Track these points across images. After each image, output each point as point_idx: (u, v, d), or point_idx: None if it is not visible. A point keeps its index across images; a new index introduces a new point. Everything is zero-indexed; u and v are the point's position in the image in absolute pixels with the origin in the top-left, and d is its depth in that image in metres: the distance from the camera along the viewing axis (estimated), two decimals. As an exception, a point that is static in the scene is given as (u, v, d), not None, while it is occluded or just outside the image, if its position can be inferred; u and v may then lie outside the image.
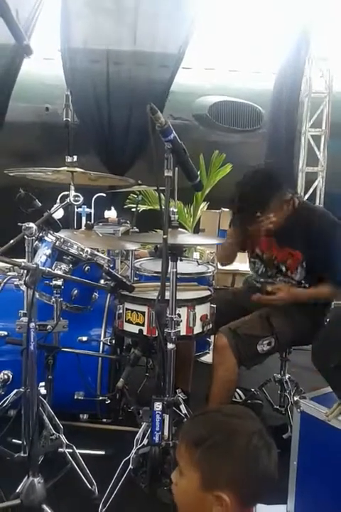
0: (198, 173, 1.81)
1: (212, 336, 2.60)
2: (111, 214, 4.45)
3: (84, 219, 4.34)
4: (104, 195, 4.61)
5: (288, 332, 2.22)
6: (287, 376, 2.53)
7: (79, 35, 5.23)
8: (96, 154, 5.46)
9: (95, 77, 5.36)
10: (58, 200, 3.74)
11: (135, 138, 5.16)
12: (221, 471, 0.99)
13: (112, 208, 4.50)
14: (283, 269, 2.35)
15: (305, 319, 2.26)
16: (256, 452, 1.00)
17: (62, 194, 3.63)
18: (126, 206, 5.30)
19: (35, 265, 1.66)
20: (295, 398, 1.73)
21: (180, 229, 1.96)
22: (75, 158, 2.12)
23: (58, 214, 2.85)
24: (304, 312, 2.26)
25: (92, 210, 4.58)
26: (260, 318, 2.21)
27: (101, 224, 4.17)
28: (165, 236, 1.57)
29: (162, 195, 1.60)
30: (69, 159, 2.11)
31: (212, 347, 2.86)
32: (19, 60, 4.84)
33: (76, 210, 4.18)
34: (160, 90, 5.27)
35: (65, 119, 2.33)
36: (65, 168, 2.09)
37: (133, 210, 4.08)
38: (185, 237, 1.99)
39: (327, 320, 2.31)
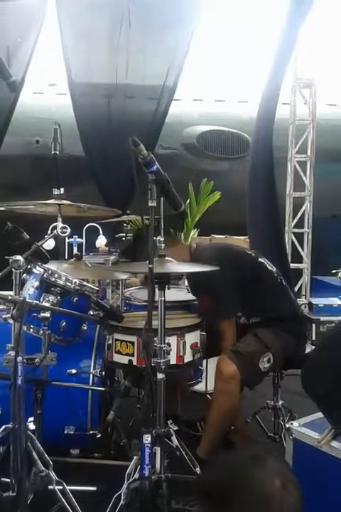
0: (187, 202, 1.84)
1: (204, 363, 2.59)
2: (101, 243, 4.45)
3: (75, 249, 4.34)
4: (96, 225, 4.62)
5: (279, 347, 2.26)
6: (280, 402, 2.51)
7: (76, 69, 5.34)
8: (93, 187, 5.51)
9: (88, 111, 5.44)
10: (49, 231, 3.75)
11: (131, 170, 5.20)
12: None
13: (103, 236, 4.50)
14: None
15: (288, 337, 2.31)
16: (266, 502, 0.93)
17: (52, 225, 3.64)
18: (117, 235, 5.31)
19: (22, 298, 1.66)
20: (288, 425, 1.71)
21: (167, 257, 1.97)
22: (62, 190, 2.14)
23: (49, 245, 2.86)
24: (285, 330, 2.31)
25: (83, 240, 4.59)
26: (252, 337, 2.25)
27: (91, 254, 4.17)
28: (150, 265, 1.57)
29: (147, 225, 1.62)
30: (56, 192, 2.12)
31: (204, 375, 2.83)
32: (16, 95, 4.92)
33: (67, 240, 4.19)
34: (155, 122, 5.37)
35: (53, 152, 2.35)
36: (52, 200, 2.10)
37: (124, 239, 4.09)
38: (173, 266, 1.99)
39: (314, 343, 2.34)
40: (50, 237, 2.08)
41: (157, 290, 1.75)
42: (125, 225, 4.54)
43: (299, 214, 5.35)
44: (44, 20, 5.05)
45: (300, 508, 0.96)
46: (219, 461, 1.09)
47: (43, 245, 2.00)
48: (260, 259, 2.49)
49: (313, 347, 2.33)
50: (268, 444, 1.06)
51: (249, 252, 2.53)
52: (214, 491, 0.97)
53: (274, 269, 2.49)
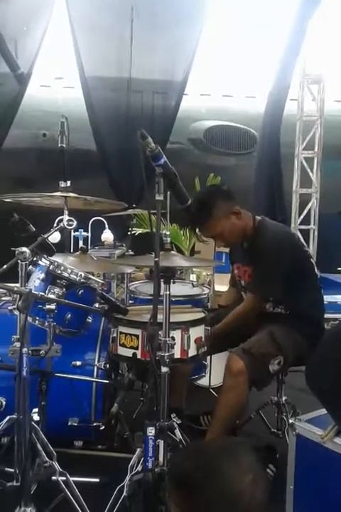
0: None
1: (208, 359, 2.60)
2: (107, 237, 4.45)
3: (81, 242, 4.35)
4: (101, 219, 4.63)
5: (292, 351, 2.25)
6: (284, 398, 2.51)
7: (87, 64, 5.35)
8: (106, 181, 5.52)
9: (99, 105, 5.45)
10: (55, 224, 3.76)
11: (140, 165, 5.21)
12: None
13: (108, 230, 4.51)
14: None
15: (302, 339, 2.28)
16: (236, 493, 0.93)
17: (58, 218, 3.64)
18: (128, 230, 5.31)
19: (28, 290, 1.66)
20: (291, 421, 1.71)
21: (172, 251, 1.97)
22: (69, 183, 2.14)
23: (55, 238, 2.87)
24: (303, 332, 2.29)
25: (89, 234, 4.60)
26: (267, 336, 2.22)
27: (97, 247, 4.18)
28: (156, 259, 1.57)
29: (153, 218, 1.62)
30: (62, 184, 2.12)
31: (208, 370, 2.84)
32: (23, 88, 4.93)
33: (73, 233, 4.20)
34: (166, 117, 5.37)
35: (59, 145, 2.35)
36: (59, 193, 2.11)
37: (129, 233, 4.09)
38: (178, 260, 1.99)
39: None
40: (57, 230, 2.09)
41: (162, 284, 1.75)
42: (131, 219, 4.54)
43: (305, 211, 5.33)
44: (52, 14, 5.06)
45: (265, 502, 0.95)
46: (194, 449, 1.09)
47: (49, 238, 2.01)
48: (312, 259, 2.47)
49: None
50: (244, 440, 1.06)
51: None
52: (185, 479, 0.97)
53: (319, 275, 2.48)
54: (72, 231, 3.83)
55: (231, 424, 2.16)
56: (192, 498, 0.94)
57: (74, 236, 4.37)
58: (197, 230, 2.36)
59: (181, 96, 5.44)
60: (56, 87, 6.23)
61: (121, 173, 5.54)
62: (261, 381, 2.17)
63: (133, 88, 5.40)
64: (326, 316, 4.05)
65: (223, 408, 2.12)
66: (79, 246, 3.60)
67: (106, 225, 4.54)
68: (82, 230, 4.41)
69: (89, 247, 3.96)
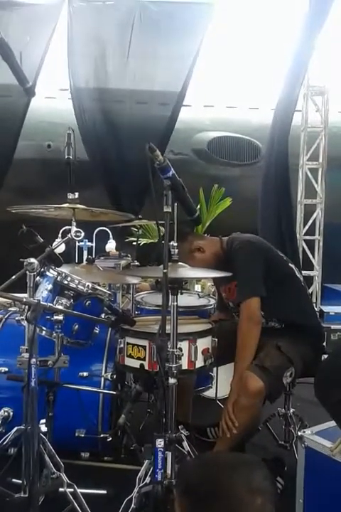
0: (197, 207, 1.84)
1: (214, 370, 2.59)
2: (111, 247, 4.47)
3: (85, 253, 4.37)
4: (106, 229, 4.65)
5: (299, 359, 2.23)
6: (291, 410, 2.50)
7: (83, 75, 5.39)
8: (104, 191, 5.54)
9: (97, 116, 5.48)
10: (60, 235, 3.78)
11: (141, 175, 5.24)
12: None
13: (113, 240, 4.53)
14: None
15: (308, 348, 2.28)
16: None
17: (63, 229, 3.66)
18: (126, 240, 5.34)
19: (36, 301, 1.67)
20: (299, 433, 1.70)
21: (180, 263, 1.97)
22: (77, 194, 2.15)
23: (60, 248, 2.88)
24: (306, 342, 2.28)
25: (94, 244, 4.62)
26: (275, 350, 2.21)
27: (102, 258, 4.19)
28: (165, 270, 1.58)
29: (161, 231, 1.63)
30: (70, 196, 2.14)
31: (214, 381, 2.83)
32: (28, 99, 4.97)
33: (77, 244, 4.22)
34: (164, 128, 5.39)
35: (66, 157, 2.37)
36: (67, 204, 2.12)
37: (134, 243, 4.11)
38: (185, 271, 2.00)
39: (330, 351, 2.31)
40: (65, 241, 2.10)
41: (170, 295, 1.75)
42: (135, 230, 4.56)
43: (310, 221, 5.33)
44: (56, 25, 5.10)
45: None
46: (206, 461, 1.07)
47: (55, 249, 2.02)
48: (290, 264, 2.49)
49: (326, 355, 2.31)
50: (256, 457, 1.03)
51: (282, 255, 2.52)
52: (194, 489, 0.95)
53: (302, 279, 2.49)
54: (77, 242, 3.85)
55: (240, 441, 2.13)
56: (198, 509, 0.93)
57: (78, 246, 4.39)
58: None
59: (180, 107, 5.47)
60: (61, 99, 6.28)
61: (121, 184, 5.56)
62: (276, 394, 2.16)
63: (131, 99, 5.43)
64: (333, 327, 4.08)
65: (238, 427, 2.08)
66: (86, 257, 3.62)
67: (111, 236, 4.57)
68: (87, 240, 4.44)
69: (94, 257, 3.98)
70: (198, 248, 2.43)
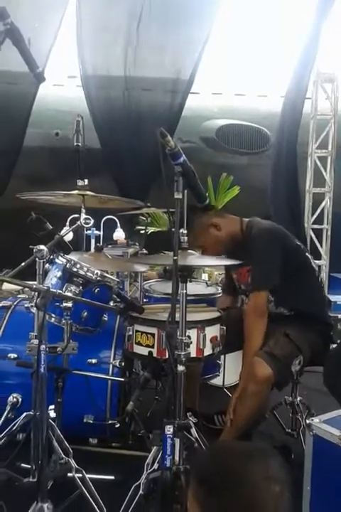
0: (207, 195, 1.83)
1: (222, 358, 2.59)
2: (118, 235, 4.47)
3: (93, 241, 4.37)
4: (114, 217, 4.65)
5: (308, 348, 2.23)
6: (298, 399, 2.50)
7: (91, 63, 5.37)
8: (112, 179, 5.54)
9: (105, 104, 5.46)
10: (68, 223, 3.78)
11: (148, 163, 5.23)
12: None
13: (120, 229, 4.52)
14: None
15: (316, 337, 2.28)
16: (261, 503, 0.91)
17: (71, 217, 3.66)
18: (135, 229, 5.33)
19: (46, 287, 1.68)
20: (308, 421, 1.70)
21: (189, 250, 1.97)
22: (86, 181, 2.15)
23: (68, 236, 2.88)
24: (315, 330, 2.28)
25: (101, 232, 4.62)
26: (284, 338, 2.21)
27: (110, 246, 4.19)
28: (175, 257, 1.57)
29: (172, 217, 1.62)
30: (80, 183, 2.13)
31: (222, 369, 2.83)
32: (36, 87, 4.96)
33: (85, 232, 4.21)
34: (172, 115, 5.36)
35: (75, 144, 2.36)
36: (77, 191, 2.12)
37: (142, 232, 4.10)
38: (194, 259, 1.99)
39: (338, 341, 2.31)
40: (74, 228, 2.10)
41: (179, 283, 1.75)
42: (144, 218, 4.55)
43: (318, 210, 5.29)
44: (65, 11, 5.07)
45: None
46: (222, 450, 1.06)
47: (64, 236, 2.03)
48: (307, 253, 2.48)
49: (334, 345, 2.31)
50: (270, 446, 1.02)
51: (299, 244, 2.51)
52: (210, 480, 0.94)
53: (317, 269, 2.48)
54: (85, 230, 3.85)
55: (248, 428, 2.14)
56: (214, 500, 0.92)
57: (86, 235, 4.39)
58: None
59: (187, 94, 5.43)
60: (69, 87, 6.26)
61: (128, 172, 5.55)
62: (284, 382, 2.17)
63: (139, 86, 5.40)
64: (340, 316, 4.06)
65: (241, 413, 2.10)
66: (94, 244, 3.63)
67: (119, 224, 4.56)
68: (95, 228, 4.43)
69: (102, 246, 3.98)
70: (215, 225, 2.40)
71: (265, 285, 2.28)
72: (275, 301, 2.34)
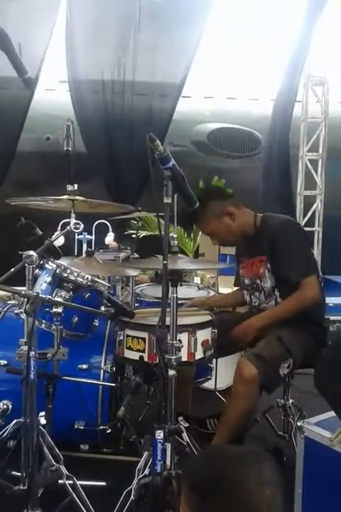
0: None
1: (214, 362, 2.59)
2: (110, 240, 4.46)
3: (84, 246, 4.36)
4: (106, 221, 4.64)
5: (299, 351, 2.22)
6: (290, 401, 2.50)
7: (83, 67, 5.37)
8: (102, 184, 5.53)
9: (97, 108, 5.47)
10: (59, 228, 3.77)
11: (140, 167, 5.24)
12: None
13: (112, 233, 4.51)
14: (259, 282, 2.39)
15: (309, 340, 2.27)
16: (254, 507, 0.90)
17: (62, 221, 3.65)
18: (126, 233, 5.33)
19: (35, 293, 1.67)
20: (299, 424, 1.70)
21: (179, 254, 1.97)
22: (76, 186, 2.14)
23: (59, 241, 2.88)
24: (308, 331, 2.27)
25: (93, 237, 4.61)
26: (275, 340, 2.19)
27: (101, 250, 4.19)
28: (165, 262, 1.57)
29: (161, 221, 1.62)
30: (70, 188, 2.12)
31: (214, 372, 2.83)
32: (31, 93, 4.94)
33: (77, 237, 4.21)
34: (163, 119, 5.37)
35: (65, 148, 2.35)
36: (66, 196, 2.11)
37: (134, 236, 4.10)
38: (185, 263, 1.99)
39: (330, 343, 2.31)
40: (64, 233, 2.09)
41: (169, 287, 1.75)
42: (135, 222, 4.55)
43: (310, 212, 5.32)
44: (57, 16, 5.06)
45: None
46: (213, 454, 1.04)
47: (54, 241, 2.02)
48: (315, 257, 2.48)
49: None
50: (262, 449, 1.01)
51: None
52: (203, 484, 0.93)
53: (321, 275, 2.46)
54: (76, 234, 3.84)
55: (239, 431, 2.13)
56: (207, 505, 0.91)
57: (78, 239, 4.38)
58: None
59: (178, 98, 5.45)
60: (60, 91, 6.25)
61: (118, 176, 5.56)
62: (271, 385, 2.14)
63: (131, 90, 5.41)
64: (332, 318, 4.07)
65: (232, 415, 2.10)
66: (85, 249, 3.62)
67: (110, 228, 4.55)
68: (86, 233, 4.42)
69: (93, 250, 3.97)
70: (231, 214, 2.36)
71: (311, 270, 2.26)
72: (280, 296, 2.32)
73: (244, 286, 2.53)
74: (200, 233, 5.74)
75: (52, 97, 6.17)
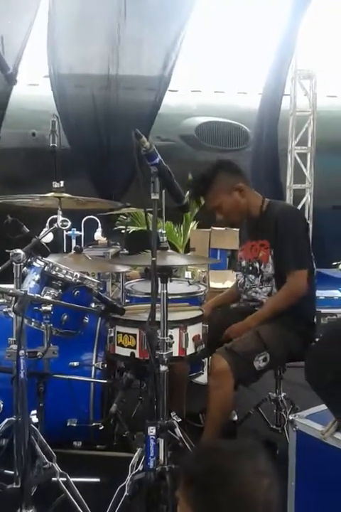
0: (186, 194, 1.83)
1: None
2: (99, 235, 4.44)
3: (74, 242, 4.33)
4: (95, 217, 4.61)
5: (280, 346, 2.21)
6: (282, 394, 2.51)
7: (66, 61, 5.30)
8: (89, 179, 5.50)
9: (83, 102, 5.42)
10: (47, 224, 3.74)
11: (126, 162, 5.20)
12: None
13: (101, 229, 4.49)
14: (257, 265, 2.37)
15: (294, 336, 2.26)
16: (252, 498, 0.92)
17: (51, 218, 3.62)
18: (115, 228, 5.31)
19: (23, 292, 1.65)
20: (291, 417, 1.71)
21: (169, 250, 1.96)
22: (62, 183, 2.12)
23: (48, 238, 2.85)
24: (292, 328, 2.26)
25: (82, 233, 4.58)
26: (252, 334, 2.19)
27: (90, 247, 4.16)
28: (154, 258, 1.56)
29: (149, 218, 1.61)
30: (56, 185, 2.10)
31: (206, 367, 2.84)
32: (10, 88, 4.88)
33: (66, 233, 4.17)
34: (149, 113, 5.34)
35: (51, 144, 2.33)
36: (52, 193, 2.09)
37: (123, 231, 4.08)
38: (174, 258, 1.99)
39: (320, 336, 2.31)
40: (51, 231, 2.07)
41: (159, 283, 1.74)
42: (124, 217, 4.53)
43: (299, 206, 5.34)
44: (38, 9, 4.99)
45: (279, 508, 0.94)
46: (210, 449, 1.05)
47: (42, 238, 1.99)
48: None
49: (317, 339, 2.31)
50: (256, 442, 1.02)
51: None
52: (200, 479, 0.94)
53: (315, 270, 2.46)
54: (65, 231, 3.81)
55: (223, 422, 2.13)
56: (205, 498, 0.92)
57: (67, 235, 4.35)
58: (202, 199, 2.38)
59: (164, 92, 5.42)
60: (44, 86, 6.19)
61: (104, 171, 5.52)
62: (247, 378, 2.14)
63: (117, 84, 5.37)
64: (323, 311, 4.10)
65: (212, 408, 2.11)
66: (73, 246, 3.59)
67: (99, 224, 4.53)
68: (75, 229, 4.39)
69: (82, 246, 3.95)
70: (241, 189, 2.32)
71: (307, 263, 2.27)
72: (276, 284, 2.31)
73: (240, 268, 2.51)
74: (190, 228, 5.76)
75: (37, 92, 6.11)
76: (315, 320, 2.50)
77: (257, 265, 2.37)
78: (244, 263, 2.48)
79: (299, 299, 2.22)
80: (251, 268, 2.41)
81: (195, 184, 2.34)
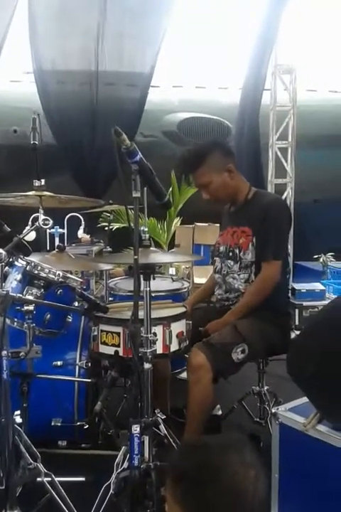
0: (170, 191, 1.83)
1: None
2: (82, 233, 4.41)
3: (57, 240, 4.30)
4: (78, 214, 4.58)
5: (258, 338, 2.22)
6: (265, 388, 2.54)
7: (48, 57, 5.24)
8: (72, 176, 5.45)
9: (66, 98, 5.36)
10: (30, 222, 3.70)
11: (109, 159, 5.17)
12: (202, 509, 0.93)
13: (82, 226, 4.46)
14: (237, 251, 2.38)
15: (273, 329, 2.29)
16: (241, 490, 0.94)
17: (33, 216, 3.59)
18: (99, 225, 5.29)
19: (5, 292, 1.63)
20: (273, 410, 1.73)
21: (152, 248, 1.96)
22: (43, 181, 2.10)
23: (30, 237, 2.82)
24: (269, 320, 2.28)
25: (65, 231, 4.55)
26: (230, 328, 2.21)
27: (74, 244, 4.14)
28: (136, 257, 1.56)
29: (131, 215, 1.61)
30: (37, 183, 2.08)
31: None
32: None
33: (48, 231, 4.14)
34: (133, 109, 5.32)
35: (32, 142, 2.31)
36: (33, 192, 2.07)
37: (106, 228, 4.07)
38: (157, 256, 1.99)
39: (301, 328, 2.35)
40: (32, 230, 2.05)
41: (142, 280, 1.74)
42: (107, 214, 4.51)
43: (281, 200, 5.38)
44: (16, 6, 4.91)
45: (266, 498, 0.98)
46: (196, 446, 1.06)
47: (24, 237, 1.97)
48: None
49: (297, 332, 2.35)
50: (242, 435, 1.04)
51: None
52: (188, 476, 0.95)
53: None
54: (48, 229, 3.77)
55: (204, 417, 2.14)
56: (195, 495, 0.93)
57: (50, 233, 4.32)
58: (190, 176, 2.37)
59: (148, 88, 5.39)
60: (26, 82, 6.11)
61: (88, 168, 5.49)
62: (225, 370, 2.14)
63: (98, 81, 5.33)
64: (304, 304, 4.16)
65: (192, 402, 2.11)
66: (56, 244, 3.57)
67: (83, 221, 4.50)
68: (58, 226, 4.36)
69: (65, 245, 3.92)
70: (230, 171, 2.34)
71: (281, 254, 2.30)
72: (255, 272, 2.33)
73: (218, 254, 2.52)
74: (174, 224, 5.77)
75: (19, 88, 6.03)
76: (295, 312, 2.53)
77: (237, 251, 2.38)
78: (221, 248, 2.49)
79: (271, 289, 2.26)
80: (230, 254, 2.41)
81: (187, 158, 2.33)
